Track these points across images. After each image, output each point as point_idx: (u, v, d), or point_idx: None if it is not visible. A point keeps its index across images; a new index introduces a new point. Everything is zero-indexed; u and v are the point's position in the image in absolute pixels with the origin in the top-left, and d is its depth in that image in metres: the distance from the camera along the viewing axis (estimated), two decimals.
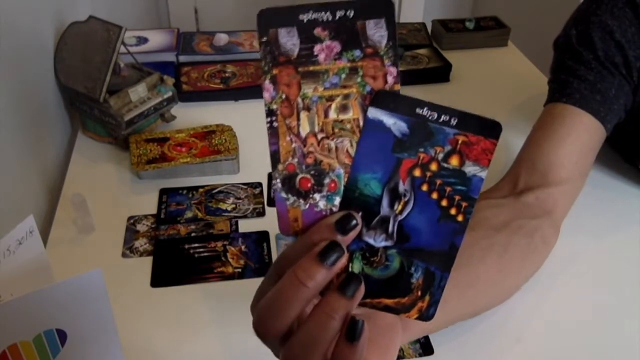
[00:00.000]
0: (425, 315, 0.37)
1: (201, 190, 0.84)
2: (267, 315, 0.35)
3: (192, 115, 0.98)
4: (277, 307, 0.34)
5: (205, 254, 0.74)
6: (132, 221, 0.78)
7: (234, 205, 0.81)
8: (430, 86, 1.11)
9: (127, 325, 0.57)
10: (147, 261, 0.72)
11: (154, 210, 0.80)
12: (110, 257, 0.73)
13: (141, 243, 0.75)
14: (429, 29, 1.29)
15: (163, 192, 0.84)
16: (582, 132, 0.70)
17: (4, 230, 0.46)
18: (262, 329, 0.36)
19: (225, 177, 0.86)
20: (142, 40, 1.16)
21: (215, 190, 0.84)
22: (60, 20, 0.98)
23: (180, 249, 0.74)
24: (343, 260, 0.34)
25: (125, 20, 0.94)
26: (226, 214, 0.80)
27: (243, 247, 0.75)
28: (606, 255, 0.75)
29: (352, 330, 0.34)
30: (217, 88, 1.06)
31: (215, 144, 0.89)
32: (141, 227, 0.77)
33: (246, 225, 0.78)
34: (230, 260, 0.73)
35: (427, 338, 0.63)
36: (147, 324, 0.65)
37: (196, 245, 0.75)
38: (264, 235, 0.76)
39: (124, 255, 0.73)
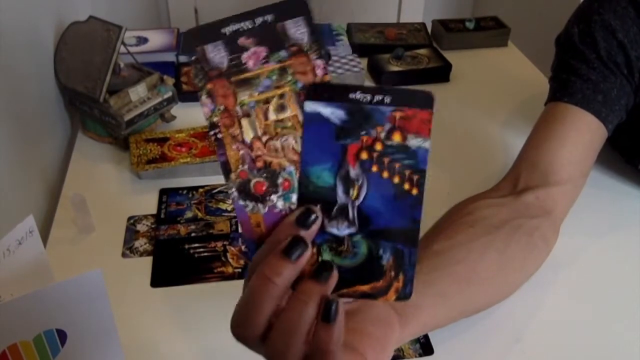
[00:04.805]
0: (403, 295, 0.37)
1: (201, 190, 0.84)
2: (241, 316, 0.36)
3: (192, 115, 0.98)
4: (249, 308, 0.35)
5: (205, 254, 0.74)
6: (132, 221, 0.78)
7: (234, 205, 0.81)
8: (430, 86, 1.11)
9: (127, 325, 0.57)
10: (147, 261, 0.72)
11: (154, 210, 0.80)
12: (110, 257, 0.73)
13: (141, 243, 0.75)
14: (429, 29, 1.29)
15: (163, 192, 0.84)
16: (583, 133, 0.70)
17: (4, 230, 0.46)
18: (238, 332, 0.37)
19: None
20: (142, 40, 1.16)
21: (215, 190, 0.84)
22: (60, 20, 0.98)
23: (180, 249, 0.74)
24: (308, 254, 0.35)
25: (125, 20, 0.94)
26: (226, 214, 0.80)
27: (243, 247, 0.75)
28: (606, 255, 0.75)
29: (327, 312, 0.35)
30: None
31: None
32: (141, 227, 0.77)
33: None
34: (230, 260, 0.73)
35: (427, 338, 0.63)
36: (147, 324, 0.65)
37: (196, 245, 0.75)
38: None
39: (124, 255, 0.73)
